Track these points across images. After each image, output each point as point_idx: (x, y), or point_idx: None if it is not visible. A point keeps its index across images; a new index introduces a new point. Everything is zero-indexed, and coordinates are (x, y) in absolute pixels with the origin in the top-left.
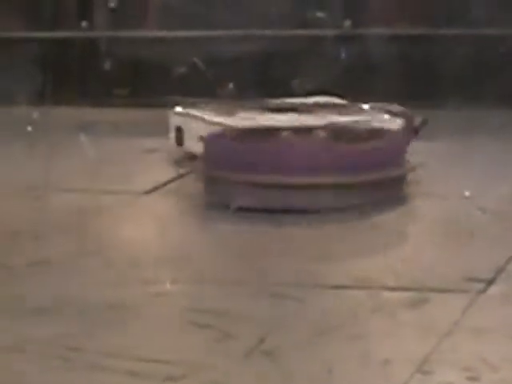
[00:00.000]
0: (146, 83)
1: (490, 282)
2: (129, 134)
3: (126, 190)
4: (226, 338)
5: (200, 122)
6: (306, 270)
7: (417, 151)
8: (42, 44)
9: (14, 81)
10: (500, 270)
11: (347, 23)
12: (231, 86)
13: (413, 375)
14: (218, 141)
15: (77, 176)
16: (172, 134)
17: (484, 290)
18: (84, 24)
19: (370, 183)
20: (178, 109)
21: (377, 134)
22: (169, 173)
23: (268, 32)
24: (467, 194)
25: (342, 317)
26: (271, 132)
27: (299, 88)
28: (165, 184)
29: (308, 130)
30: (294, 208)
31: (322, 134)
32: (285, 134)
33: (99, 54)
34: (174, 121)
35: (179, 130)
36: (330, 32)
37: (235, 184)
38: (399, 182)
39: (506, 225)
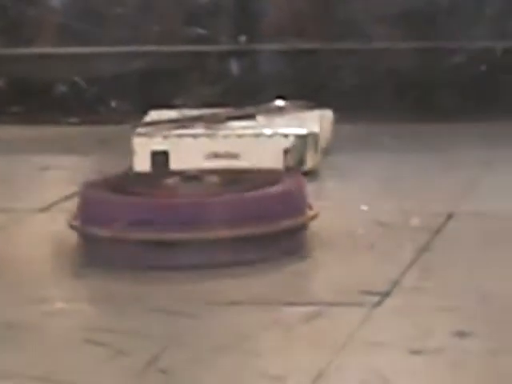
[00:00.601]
0: (36, 100)
1: (385, 295)
2: (23, 152)
3: (20, 208)
4: (120, 355)
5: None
6: (201, 287)
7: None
8: None
9: None
10: (395, 283)
11: (241, 38)
12: (113, 104)
13: None
14: (94, 192)
15: None
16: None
17: (379, 303)
18: None
19: (266, 236)
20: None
21: (274, 178)
22: (64, 190)
23: (152, 48)
24: (364, 207)
25: (238, 333)
26: (157, 179)
27: (183, 104)
28: (60, 201)
29: (197, 176)
30: (182, 266)
31: (213, 179)
32: (171, 181)
33: None
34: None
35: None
36: (214, 48)
37: (113, 242)
38: (299, 232)
39: (401, 237)
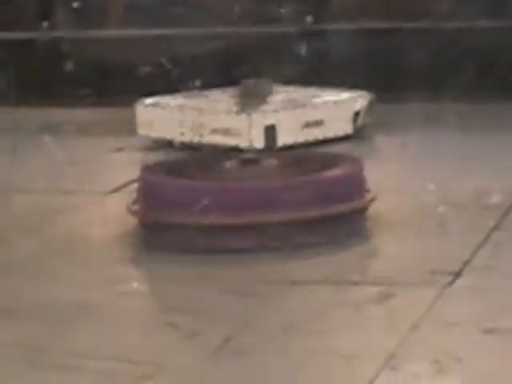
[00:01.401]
0: (110, 83)
1: (457, 275)
2: (94, 134)
3: (93, 190)
4: (193, 336)
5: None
6: (269, 268)
7: (379, 144)
8: (3, 45)
9: None
10: (466, 263)
11: (309, 19)
12: (196, 83)
13: (380, 370)
14: (153, 176)
15: (42, 177)
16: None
17: (451, 283)
18: (45, 24)
19: (326, 218)
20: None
21: (333, 161)
22: (135, 171)
23: (231, 29)
24: (431, 187)
25: (308, 313)
26: (215, 162)
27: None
28: (131, 183)
29: (256, 159)
30: (246, 249)
31: (272, 162)
32: (230, 164)
33: (62, 54)
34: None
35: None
36: (291, 28)
37: (175, 227)
38: (358, 216)
39: (471, 216)
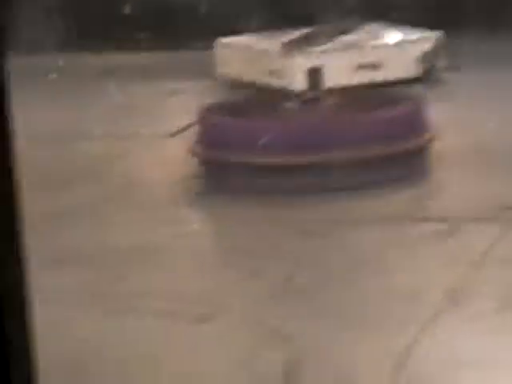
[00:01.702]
0: (169, 25)
1: None
2: (153, 77)
3: (150, 134)
4: (256, 276)
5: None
6: (330, 208)
7: (442, 83)
8: None
9: (38, 29)
10: None
11: None
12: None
13: (444, 305)
14: (212, 117)
15: (102, 121)
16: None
17: None
18: None
19: (386, 158)
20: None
21: (391, 99)
22: (193, 115)
23: None
24: (495, 126)
25: (371, 251)
26: (274, 102)
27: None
28: (189, 126)
29: (314, 99)
30: (307, 189)
31: (330, 101)
32: (289, 104)
33: None
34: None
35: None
36: None
37: (237, 167)
38: (419, 154)
39: None
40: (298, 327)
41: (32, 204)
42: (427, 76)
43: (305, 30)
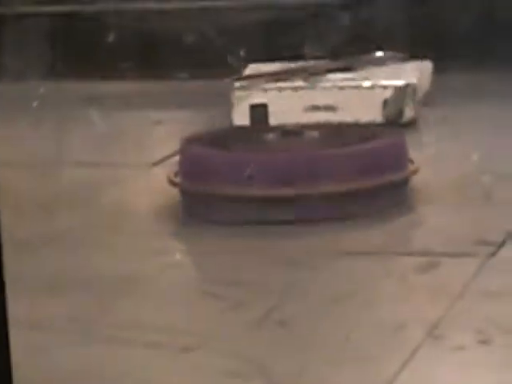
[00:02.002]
0: (153, 55)
1: (501, 245)
2: (137, 107)
3: (134, 163)
4: (238, 307)
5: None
6: (313, 240)
7: (423, 115)
8: (47, 19)
9: (21, 56)
10: (510, 234)
11: None
12: (241, 53)
13: (425, 339)
14: (193, 147)
15: (87, 149)
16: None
17: (494, 254)
18: None
19: (368, 190)
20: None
21: (373, 133)
22: (177, 144)
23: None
24: (475, 157)
25: (354, 283)
26: (256, 134)
27: (310, 53)
28: (172, 155)
29: (297, 131)
30: (289, 221)
31: (314, 134)
32: (271, 136)
33: (106, 27)
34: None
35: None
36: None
37: (218, 199)
38: (402, 187)
39: None
40: (279, 359)
41: (14, 231)
42: (393, 121)
43: (290, 65)
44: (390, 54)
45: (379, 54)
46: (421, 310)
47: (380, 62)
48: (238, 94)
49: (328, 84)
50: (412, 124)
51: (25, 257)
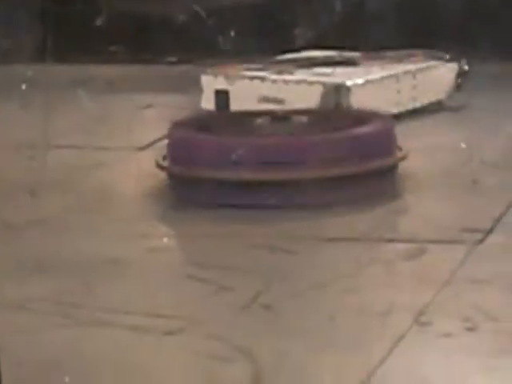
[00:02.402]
0: (143, 38)
1: (488, 233)
2: (126, 91)
3: (122, 146)
4: (223, 290)
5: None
6: (298, 225)
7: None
8: (40, 2)
9: (11, 39)
10: (497, 221)
11: None
12: (232, 34)
13: (411, 326)
14: (181, 132)
15: (74, 132)
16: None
17: (481, 241)
18: None
19: (355, 176)
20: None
21: (363, 118)
22: (165, 129)
23: None
24: (464, 145)
25: (339, 269)
26: (245, 119)
27: (301, 36)
28: (160, 140)
29: (286, 116)
30: (275, 205)
31: (301, 119)
32: (260, 121)
33: (97, 9)
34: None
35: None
36: None
37: (204, 182)
38: (389, 173)
39: (503, 175)
40: (263, 343)
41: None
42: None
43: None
44: (423, 52)
45: (410, 51)
46: (407, 297)
47: (396, 60)
48: (205, 78)
49: (276, 77)
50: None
51: (11, 239)
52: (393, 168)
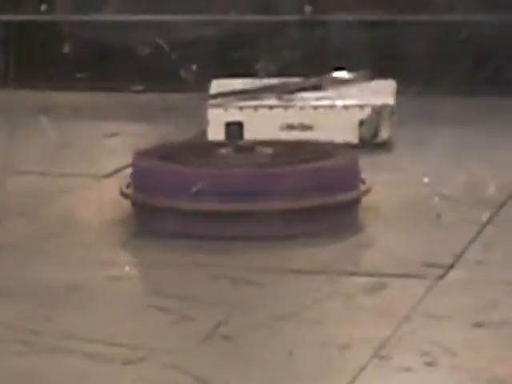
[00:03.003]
0: (108, 67)
1: (449, 268)
2: (90, 118)
3: (86, 174)
4: (183, 320)
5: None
6: (260, 256)
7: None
8: (2, 27)
9: None
10: (458, 256)
11: (308, 9)
12: (194, 67)
13: (371, 360)
14: (145, 161)
15: (37, 159)
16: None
17: (442, 276)
18: (43, 7)
19: (318, 209)
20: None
21: (327, 151)
22: (130, 157)
23: (229, 17)
24: (426, 180)
25: (300, 301)
26: (209, 149)
27: (263, 70)
28: (124, 168)
29: (250, 147)
30: (236, 236)
31: (266, 151)
32: (224, 151)
33: (61, 37)
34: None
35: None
36: (290, 17)
37: (165, 211)
38: (352, 206)
39: (464, 211)
40: (222, 374)
41: None
42: (367, 143)
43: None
44: (354, 73)
45: (343, 73)
46: (367, 331)
47: (346, 82)
48: (212, 111)
49: (303, 103)
50: (386, 145)
51: None
52: (356, 202)
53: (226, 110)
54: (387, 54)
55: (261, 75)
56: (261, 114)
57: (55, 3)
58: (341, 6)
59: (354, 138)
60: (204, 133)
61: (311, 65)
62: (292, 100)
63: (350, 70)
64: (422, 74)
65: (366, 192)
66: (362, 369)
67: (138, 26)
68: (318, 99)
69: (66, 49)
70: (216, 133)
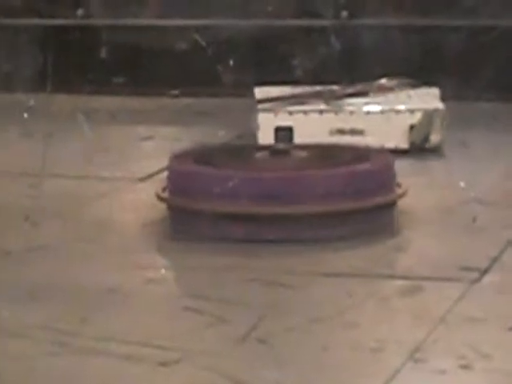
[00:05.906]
0: (144, 71)
1: (484, 272)
2: (126, 122)
3: (122, 177)
4: (219, 323)
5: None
6: (296, 259)
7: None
8: (40, 33)
9: (15, 67)
10: (494, 260)
11: (344, 14)
12: (231, 63)
13: (405, 362)
14: (181, 164)
15: (74, 162)
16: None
17: (478, 280)
18: (80, 12)
19: (352, 212)
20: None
21: (363, 154)
22: (165, 161)
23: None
24: (462, 184)
25: (335, 304)
26: (245, 152)
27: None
28: (159, 171)
29: (286, 151)
30: (271, 240)
31: (301, 154)
32: (259, 155)
33: (98, 42)
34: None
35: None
36: (325, 22)
37: (200, 214)
38: (387, 210)
39: (500, 214)
40: (257, 375)
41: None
42: (417, 147)
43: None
44: (397, 80)
45: (387, 80)
46: (402, 333)
47: (392, 89)
48: (262, 115)
49: (352, 108)
50: (437, 149)
51: (7, 266)
52: (391, 205)
53: (276, 114)
54: (422, 57)
55: (297, 72)
56: (311, 118)
57: (92, 8)
58: (376, 11)
59: (404, 143)
60: (240, 136)
61: (347, 67)
62: (340, 106)
63: (386, 74)
64: (459, 76)
65: (402, 195)
66: (397, 371)
67: (174, 29)
68: (366, 104)
69: (103, 53)
70: (266, 137)
